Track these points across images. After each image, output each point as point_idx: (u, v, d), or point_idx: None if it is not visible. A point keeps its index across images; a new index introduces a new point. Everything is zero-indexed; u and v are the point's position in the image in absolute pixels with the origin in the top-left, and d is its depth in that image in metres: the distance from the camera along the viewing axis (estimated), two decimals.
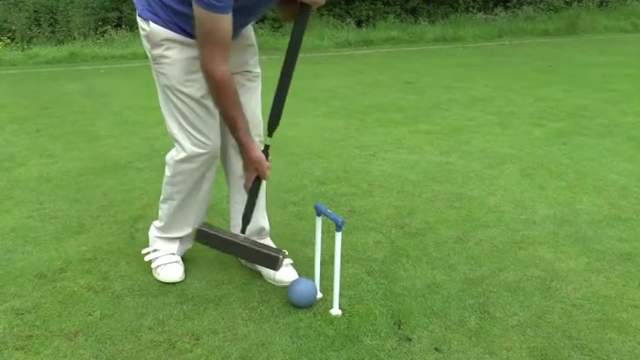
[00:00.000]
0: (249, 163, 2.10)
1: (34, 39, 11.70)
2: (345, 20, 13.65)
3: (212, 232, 2.18)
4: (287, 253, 2.22)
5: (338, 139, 4.64)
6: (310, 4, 2.04)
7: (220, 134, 2.25)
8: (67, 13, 12.30)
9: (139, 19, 2.15)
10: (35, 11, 12.39)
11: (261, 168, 2.10)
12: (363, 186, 3.51)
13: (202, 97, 2.14)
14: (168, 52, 2.09)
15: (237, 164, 2.33)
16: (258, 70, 2.32)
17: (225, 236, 2.18)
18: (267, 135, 2.12)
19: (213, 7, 1.85)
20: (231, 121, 2.05)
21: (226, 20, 1.91)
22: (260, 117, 2.35)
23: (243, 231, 2.21)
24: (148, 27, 2.10)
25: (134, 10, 2.19)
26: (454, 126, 5.03)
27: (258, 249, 2.14)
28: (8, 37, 11.56)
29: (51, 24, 12.28)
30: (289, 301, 2.16)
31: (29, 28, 11.96)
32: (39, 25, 12.12)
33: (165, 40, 2.08)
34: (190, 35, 2.06)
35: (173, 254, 2.42)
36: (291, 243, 2.68)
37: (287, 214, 3.08)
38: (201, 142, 2.18)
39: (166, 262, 2.39)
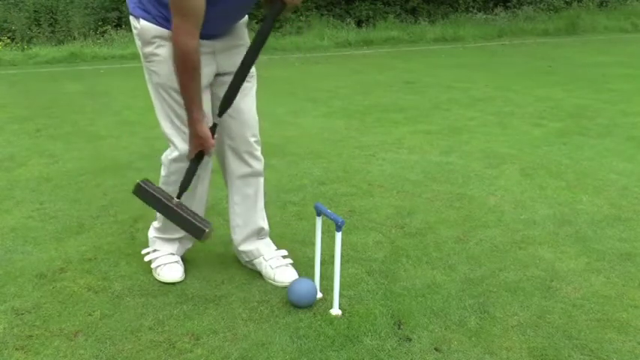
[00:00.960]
0: (195, 137, 2.11)
1: (34, 39, 11.69)
2: (345, 20, 13.64)
3: (150, 189, 2.21)
4: (212, 225, 2.22)
5: (338, 139, 4.64)
6: (285, 2, 2.02)
7: (217, 137, 2.25)
8: (67, 13, 12.29)
9: (131, 17, 2.16)
10: (35, 11, 12.38)
11: (206, 144, 2.12)
12: (363, 186, 3.51)
13: None
14: (159, 50, 2.10)
15: (234, 164, 2.33)
16: (252, 70, 2.32)
17: (160, 197, 2.20)
18: (218, 115, 2.15)
19: None
20: (187, 93, 2.05)
21: None
22: (256, 116, 2.35)
23: (179, 196, 2.20)
24: (139, 24, 2.11)
25: None
26: (454, 126, 5.03)
27: (187, 216, 2.17)
28: (8, 37, 11.55)
29: (51, 24, 12.27)
30: (289, 301, 2.16)
31: (29, 28, 11.95)
32: (39, 25, 12.11)
33: (156, 38, 2.09)
34: None
35: (173, 254, 2.42)
36: (291, 243, 2.68)
37: (287, 214, 3.08)
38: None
39: (166, 262, 2.39)
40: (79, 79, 8.30)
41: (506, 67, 8.85)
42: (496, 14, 15.51)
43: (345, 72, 8.55)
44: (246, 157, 2.32)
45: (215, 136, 2.15)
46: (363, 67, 9.14)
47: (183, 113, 2.14)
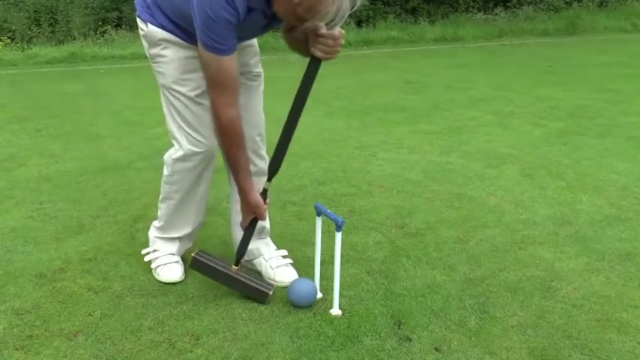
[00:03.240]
0: (247, 206, 2.13)
1: (34, 39, 11.69)
2: (345, 20, 13.63)
3: (206, 261, 2.21)
4: (275, 286, 2.24)
5: (338, 139, 4.64)
6: (320, 58, 1.96)
7: None
8: (67, 13, 12.29)
9: (138, 19, 2.19)
10: (35, 11, 12.38)
11: (259, 212, 2.13)
12: (363, 186, 3.51)
13: (197, 95, 2.15)
14: (164, 52, 2.12)
15: None
16: (259, 69, 2.32)
17: (218, 267, 2.21)
18: (267, 180, 2.14)
19: (217, 50, 1.86)
20: (234, 163, 2.06)
21: (231, 61, 1.91)
22: (262, 116, 2.35)
23: (237, 263, 2.22)
24: (146, 27, 2.14)
25: (134, 10, 2.22)
26: (454, 126, 5.03)
27: (248, 282, 2.19)
28: (8, 37, 11.55)
29: (51, 24, 12.28)
30: (289, 301, 2.16)
31: (29, 28, 11.95)
32: (39, 25, 12.11)
33: (162, 41, 2.11)
34: (185, 38, 2.08)
35: (173, 254, 2.42)
36: (291, 243, 2.68)
37: (287, 214, 3.08)
38: (197, 140, 2.19)
39: (166, 262, 2.39)
40: (79, 79, 8.30)
41: (506, 67, 8.85)
42: (496, 14, 15.51)
43: (345, 72, 8.55)
44: (251, 155, 2.32)
45: (267, 200, 2.15)
46: (363, 67, 9.14)
47: (187, 114, 2.15)
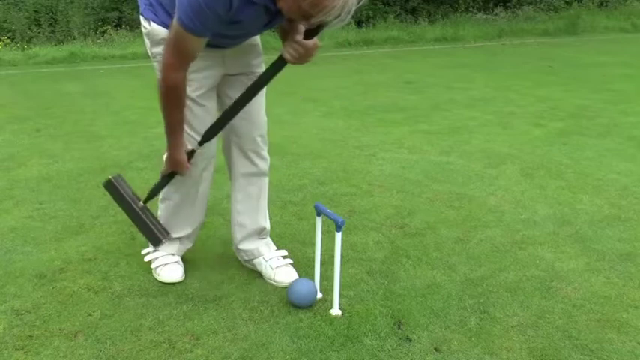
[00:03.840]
0: (171, 161, 2.14)
1: (34, 39, 11.69)
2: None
3: (119, 187, 2.23)
4: (172, 235, 2.32)
5: (338, 139, 4.64)
6: (286, 60, 1.97)
7: (224, 133, 2.26)
8: (67, 13, 12.28)
9: (141, 17, 2.19)
10: (35, 11, 12.38)
11: (181, 169, 2.15)
12: (363, 186, 3.51)
13: (199, 96, 2.15)
14: None
15: (239, 162, 2.34)
16: (261, 69, 2.32)
17: (127, 197, 2.23)
18: (198, 144, 2.15)
19: (184, 26, 1.81)
20: (171, 122, 2.04)
21: (196, 41, 1.86)
22: (264, 117, 2.35)
23: (145, 201, 2.24)
24: (149, 26, 2.14)
25: (134, 10, 2.23)
26: (454, 126, 5.03)
27: (147, 222, 2.22)
28: (8, 37, 11.55)
29: (51, 24, 12.28)
30: (289, 301, 2.16)
31: (29, 28, 11.95)
32: (39, 25, 12.11)
33: (164, 40, 2.08)
34: None
35: (173, 254, 2.42)
36: (291, 243, 2.68)
37: (287, 214, 3.08)
38: (197, 141, 2.18)
39: (166, 262, 2.39)
40: (79, 79, 8.30)
41: (506, 67, 8.85)
42: (496, 14, 15.51)
43: (345, 72, 8.55)
44: (252, 155, 2.33)
45: (191, 160, 2.17)
46: (363, 67, 9.14)
47: (188, 115, 2.13)
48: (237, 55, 2.18)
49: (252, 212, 2.40)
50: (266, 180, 2.42)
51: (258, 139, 2.32)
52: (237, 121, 2.21)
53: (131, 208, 2.22)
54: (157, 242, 2.25)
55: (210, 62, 2.11)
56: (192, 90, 2.12)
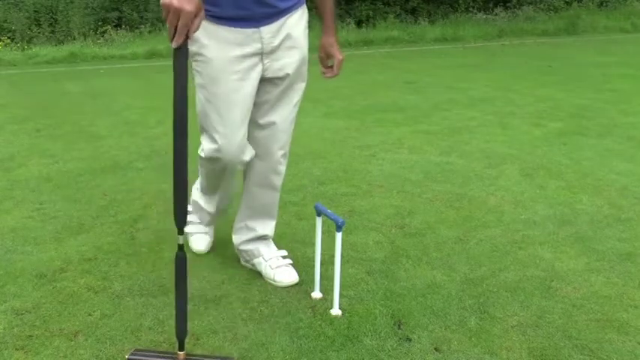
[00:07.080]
0: (163, 9, 1.60)
1: (34, 39, 11.70)
2: (345, 20, 13.64)
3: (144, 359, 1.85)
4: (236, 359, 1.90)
5: (338, 139, 4.64)
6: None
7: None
8: (67, 13, 12.30)
9: None
10: (35, 11, 12.39)
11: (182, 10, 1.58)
12: (363, 186, 3.51)
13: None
14: (203, 50, 2.05)
15: (253, 173, 2.31)
16: (301, 83, 2.32)
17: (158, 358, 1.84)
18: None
19: None
20: None
21: None
22: (288, 129, 2.30)
23: (180, 348, 1.83)
24: None
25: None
26: (454, 126, 5.03)
27: None
28: (8, 37, 11.56)
29: (51, 24, 12.29)
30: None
31: (29, 28, 11.96)
32: (39, 25, 12.13)
33: (199, 36, 1.98)
34: (215, 18, 1.98)
35: (201, 224, 2.56)
36: (291, 243, 2.68)
37: (287, 214, 3.08)
38: (215, 149, 2.15)
39: (194, 231, 2.53)
40: (79, 79, 8.30)
41: (506, 67, 8.85)
42: (496, 14, 15.51)
43: (345, 72, 8.52)
44: (268, 171, 2.30)
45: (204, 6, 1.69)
46: (363, 67, 9.14)
47: (215, 118, 2.09)
48: (276, 51, 2.14)
49: (259, 220, 2.40)
50: (277, 195, 2.40)
51: (279, 153, 2.28)
52: (256, 132, 2.20)
53: None
54: None
55: (247, 63, 2.09)
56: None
